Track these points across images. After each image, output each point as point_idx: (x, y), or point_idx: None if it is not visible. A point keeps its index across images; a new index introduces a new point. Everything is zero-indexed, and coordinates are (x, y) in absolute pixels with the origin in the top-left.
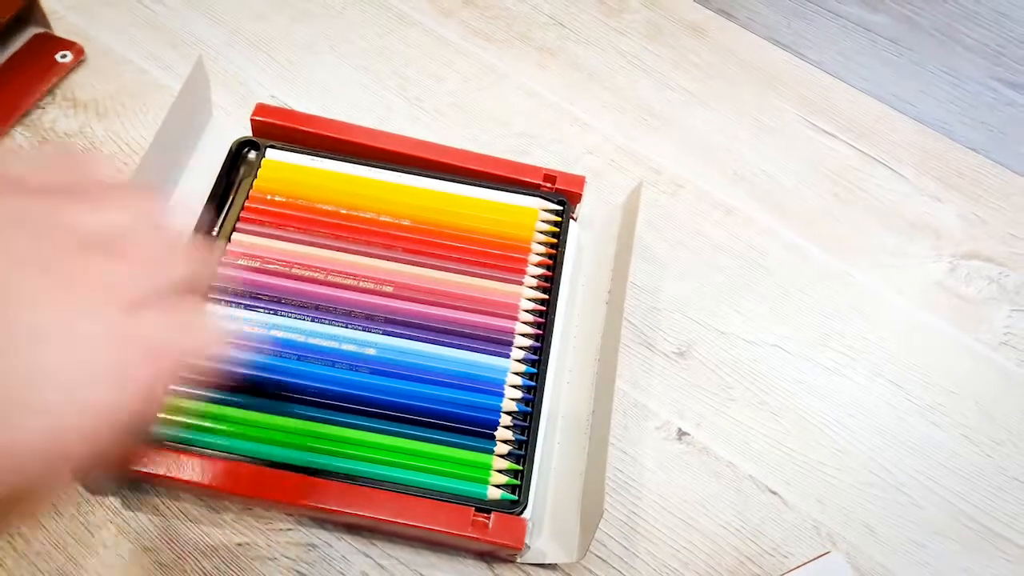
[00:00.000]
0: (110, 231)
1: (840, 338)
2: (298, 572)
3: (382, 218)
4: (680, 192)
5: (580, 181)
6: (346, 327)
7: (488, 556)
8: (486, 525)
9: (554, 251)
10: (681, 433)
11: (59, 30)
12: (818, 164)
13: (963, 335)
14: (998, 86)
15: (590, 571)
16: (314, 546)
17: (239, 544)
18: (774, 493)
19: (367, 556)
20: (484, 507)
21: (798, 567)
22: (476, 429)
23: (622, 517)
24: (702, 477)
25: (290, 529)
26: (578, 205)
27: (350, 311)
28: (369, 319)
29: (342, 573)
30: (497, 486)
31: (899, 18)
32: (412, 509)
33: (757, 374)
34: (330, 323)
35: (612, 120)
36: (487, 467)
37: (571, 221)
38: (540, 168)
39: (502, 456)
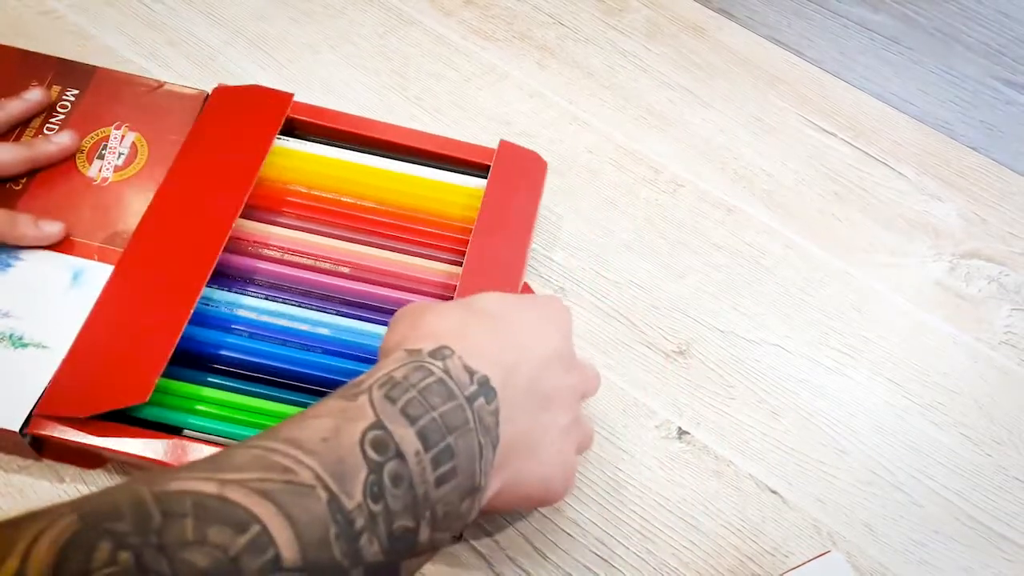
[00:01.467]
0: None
1: (840, 337)
2: None
3: (344, 199)
4: (680, 191)
5: (534, 157)
6: (300, 306)
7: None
8: None
9: None
10: (681, 432)
11: (59, 29)
12: (818, 163)
13: (963, 334)
14: (998, 85)
15: (590, 570)
16: None
17: None
18: (774, 492)
19: None
20: None
21: (798, 566)
22: None
23: (622, 516)
24: (702, 476)
25: None
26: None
27: (307, 291)
28: (324, 299)
29: None
30: None
31: (899, 17)
32: None
33: (757, 373)
34: (284, 302)
35: (612, 119)
36: None
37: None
38: (490, 148)
39: None
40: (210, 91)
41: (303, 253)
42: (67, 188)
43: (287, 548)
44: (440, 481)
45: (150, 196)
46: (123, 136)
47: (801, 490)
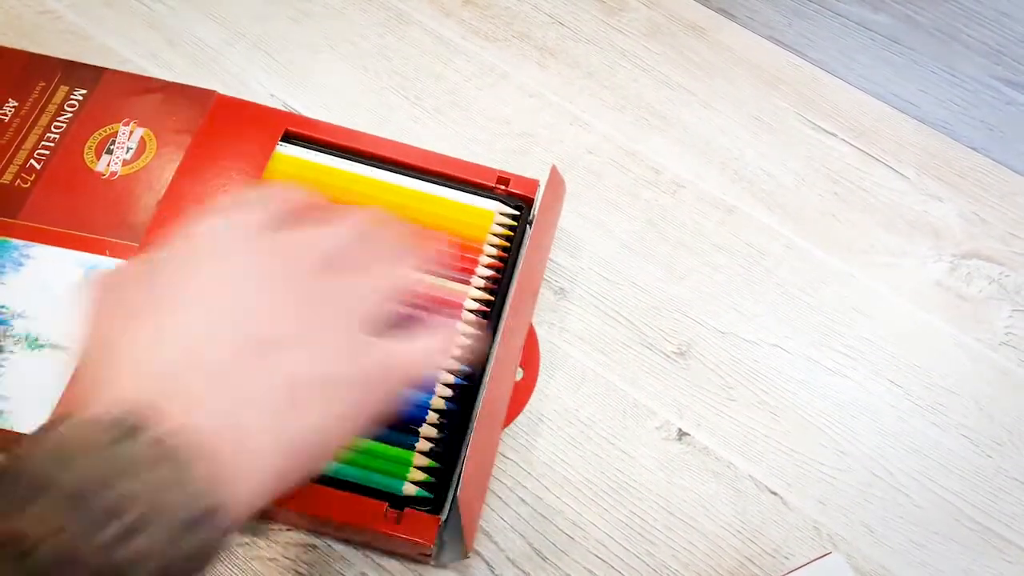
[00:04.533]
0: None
1: (840, 338)
2: (298, 572)
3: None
4: (680, 192)
5: (533, 185)
6: None
7: (403, 556)
8: (396, 520)
9: (505, 254)
10: (681, 433)
11: (58, 29)
12: (818, 163)
13: (963, 335)
14: (999, 85)
15: (590, 571)
16: (314, 546)
17: (239, 544)
18: (774, 494)
19: (367, 556)
20: (399, 503)
21: (798, 568)
22: (401, 424)
23: (622, 517)
24: (702, 477)
25: (290, 529)
26: (533, 207)
27: None
28: None
29: (342, 573)
30: (415, 483)
31: (900, 17)
32: (324, 500)
33: (757, 374)
34: None
35: (612, 119)
36: (408, 463)
37: (528, 226)
38: (494, 170)
39: (423, 453)
40: (216, 91)
41: None
42: (75, 183)
43: None
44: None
45: (160, 189)
46: (131, 131)
47: (801, 491)
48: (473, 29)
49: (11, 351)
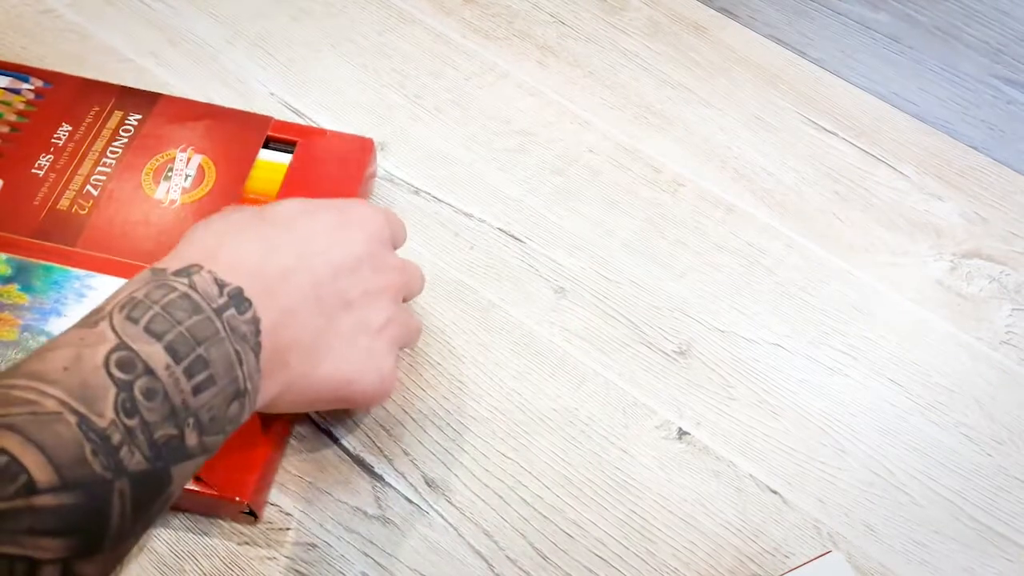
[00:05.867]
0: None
1: (841, 337)
2: (298, 572)
3: None
4: (680, 191)
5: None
6: None
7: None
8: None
9: None
10: (681, 432)
11: (59, 27)
12: (819, 162)
13: (964, 334)
14: (999, 84)
15: (590, 571)
16: (314, 546)
17: (239, 544)
18: (774, 492)
19: (367, 556)
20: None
21: (799, 567)
22: None
23: (622, 517)
24: (702, 476)
25: (290, 529)
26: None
27: None
28: None
29: (342, 573)
30: None
31: (900, 16)
32: None
33: (757, 373)
34: None
35: (612, 118)
36: None
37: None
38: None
39: None
40: (272, 117)
41: None
42: (134, 210)
43: (40, 471)
44: (197, 389)
45: None
46: (189, 158)
47: (801, 490)
48: (473, 27)
49: None
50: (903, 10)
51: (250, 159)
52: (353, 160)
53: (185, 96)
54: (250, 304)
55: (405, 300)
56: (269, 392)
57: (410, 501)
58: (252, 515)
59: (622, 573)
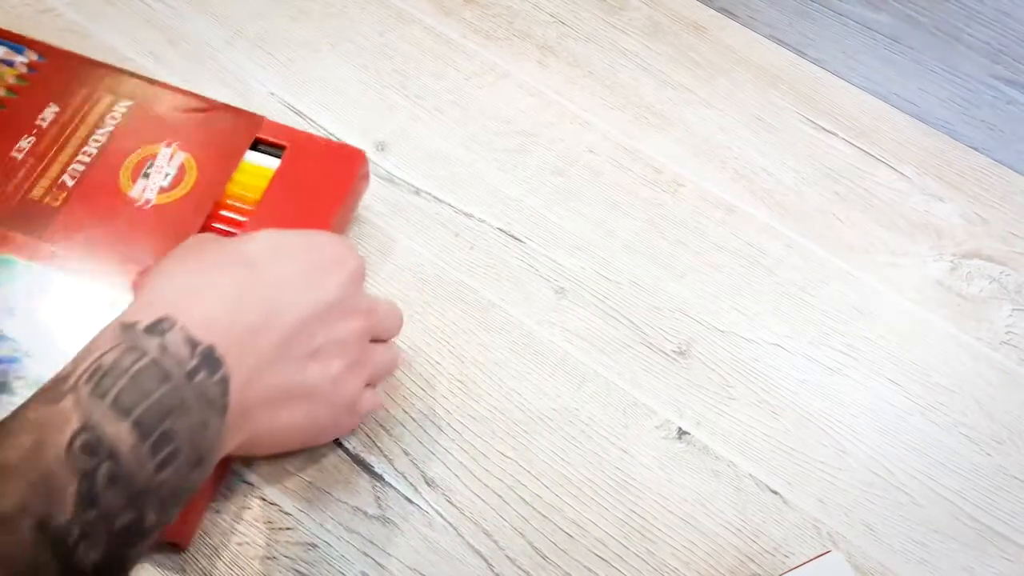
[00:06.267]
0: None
1: (840, 337)
2: (298, 572)
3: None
4: (680, 191)
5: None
6: None
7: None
8: None
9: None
10: (681, 432)
11: (58, 27)
12: (819, 163)
13: (964, 334)
14: (999, 85)
15: (590, 571)
16: (314, 546)
17: (239, 544)
18: (774, 492)
19: (367, 556)
20: None
21: (798, 566)
22: None
23: (622, 516)
24: (702, 476)
25: (290, 529)
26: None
27: None
28: None
29: (342, 573)
30: None
31: (900, 17)
32: None
33: (757, 373)
34: None
35: (612, 118)
36: None
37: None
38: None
39: None
40: (264, 117)
41: None
42: (106, 208)
43: None
44: (162, 466)
45: (197, 222)
46: (172, 155)
47: (801, 490)
48: (473, 28)
49: (18, 394)
50: (904, 11)
51: (235, 160)
52: (341, 171)
53: None
54: (221, 363)
55: (382, 340)
56: (230, 446)
57: (410, 501)
58: (175, 546)
59: (622, 573)
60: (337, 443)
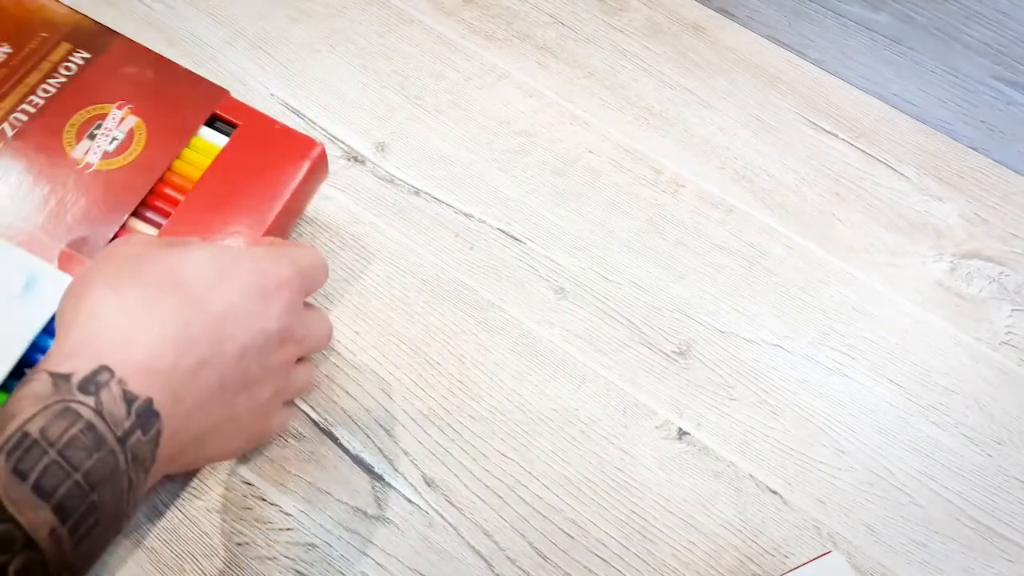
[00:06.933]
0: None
1: (840, 337)
2: (298, 572)
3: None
4: (680, 191)
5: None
6: None
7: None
8: None
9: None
10: (681, 433)
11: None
12: (819, 163)
13: (964, 334)
14: (999, 85)
15: (590, 571)
16: (314, 546)
17: (239, 544)
18: (774, 493)
19: (367, 556)
20: None
21: (798, 567)
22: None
23: (622, 517)
24: (702, 477)
25: (290, 529)
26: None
27: None
28: None
29: (342, 573)
30: None
31: (900, 17)
32: None
33: (757, 373)
34: None
35: (612, 119)
36: None
37: None
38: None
39: None
40: (228, 90)
41: None
42: (43, 166)
43: None
44: (81, 540)
45: (133, 201)
46: (123, 118)
47: (801, 490)
48: (473, 28)
49: None
50: (903, 11)
51: (189, 132)
52: (292, 160)
53: None
54: (157, 417)
55: (305, 357)
56: (152, 482)
57: (410, 501)
58: None
59: (622, 573)
60: (337, 443)
